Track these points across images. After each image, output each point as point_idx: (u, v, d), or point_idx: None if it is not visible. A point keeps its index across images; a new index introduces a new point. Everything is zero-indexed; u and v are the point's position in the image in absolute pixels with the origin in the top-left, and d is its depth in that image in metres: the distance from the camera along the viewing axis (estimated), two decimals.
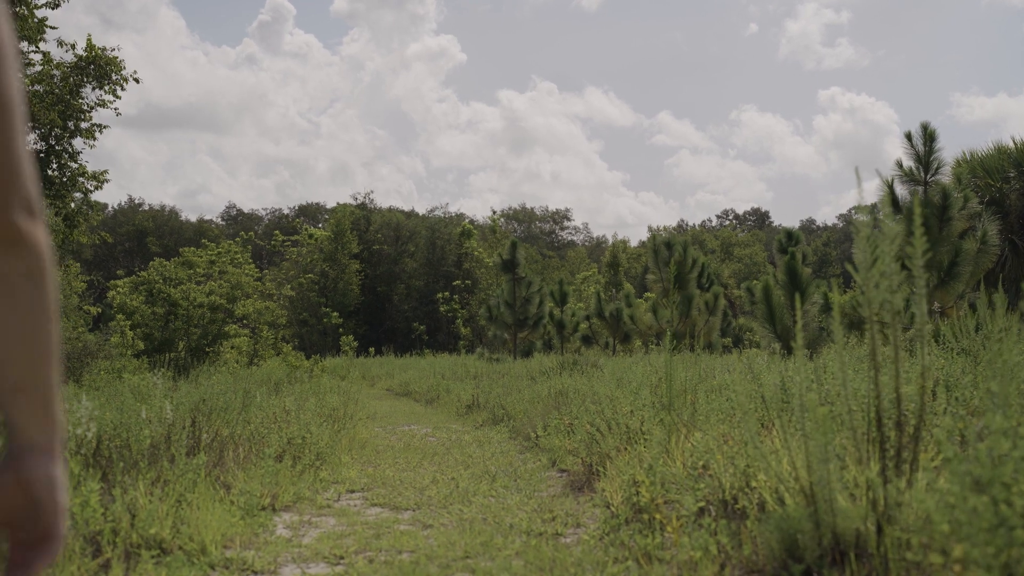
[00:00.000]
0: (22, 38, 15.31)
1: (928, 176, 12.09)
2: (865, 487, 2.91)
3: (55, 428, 0.99)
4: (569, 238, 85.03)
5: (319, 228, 57.83)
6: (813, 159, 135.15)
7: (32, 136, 15.64)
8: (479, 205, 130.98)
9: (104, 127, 16.21)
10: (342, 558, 4.17)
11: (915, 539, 2.52)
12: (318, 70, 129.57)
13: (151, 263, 26.24)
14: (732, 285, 52.01)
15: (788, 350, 12.10)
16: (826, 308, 13.13)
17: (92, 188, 16.42)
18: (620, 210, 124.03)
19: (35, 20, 15.38)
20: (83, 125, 15.88)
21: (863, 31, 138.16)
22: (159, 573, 3.69)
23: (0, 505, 0.95)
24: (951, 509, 2.01)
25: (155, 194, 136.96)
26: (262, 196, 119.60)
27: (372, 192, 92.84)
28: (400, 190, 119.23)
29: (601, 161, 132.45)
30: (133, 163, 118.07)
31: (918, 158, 12.09)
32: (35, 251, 0.96)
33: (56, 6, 15.61)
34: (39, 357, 0.97)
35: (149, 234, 62.87)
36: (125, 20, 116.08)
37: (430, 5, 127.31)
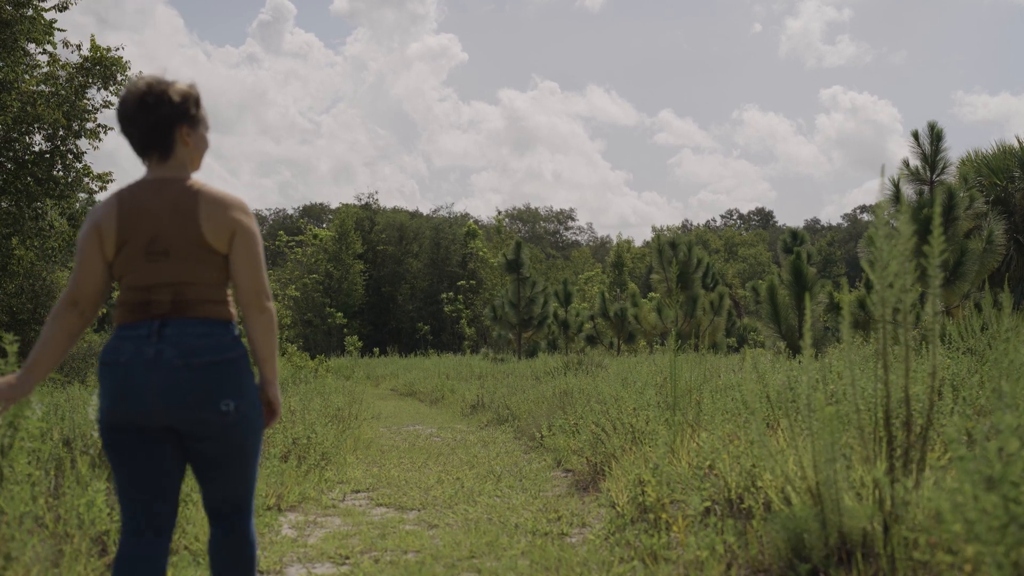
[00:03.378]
0: (30, 40, 15.35)
1: (934, 175, 12.06)
2: (872, 486, 2.90)
3: (275, 375, 2.59)
4: (573, 238, 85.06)
5: (323, 228, 57.90)
6: (816, 158, 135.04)
7: (37, 137, 15.67)
8: (482, 205, 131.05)
9: (109, 128, 16.24)
10: (348, 558, 4.17)
11: (923, 538, 2.51)
12: (319, 70, 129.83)
13: None
14: (737, 285, 51.95)
15: (793, 350, 12.08)
16: (831, 308, 13.11)
17: (97, 188, 16.46)
18: (623, 210, 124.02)
19: (43, 22, 15.42)
20: (88, 126, 15.90)
21: (865, 29, 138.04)
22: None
23: (262, 400, 2.56)
24: (961, 508, 2.00)
25: None
26: (264, 196, 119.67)
27: (376, 192, 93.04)
28: (403, 190, 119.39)
29: (604, 161, 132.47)
30: (134, 163, 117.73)
31: (924, 157, 12.06)
32: (271, 313, 2.54)
33: (64, 8, 15.65)
34: (272, 350, 2.55)
35: None
36: (123, 20, 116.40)
37: (430, 5, 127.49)
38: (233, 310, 2.53)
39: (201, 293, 2.43)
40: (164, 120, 2.45)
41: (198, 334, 2.39)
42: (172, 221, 2.41)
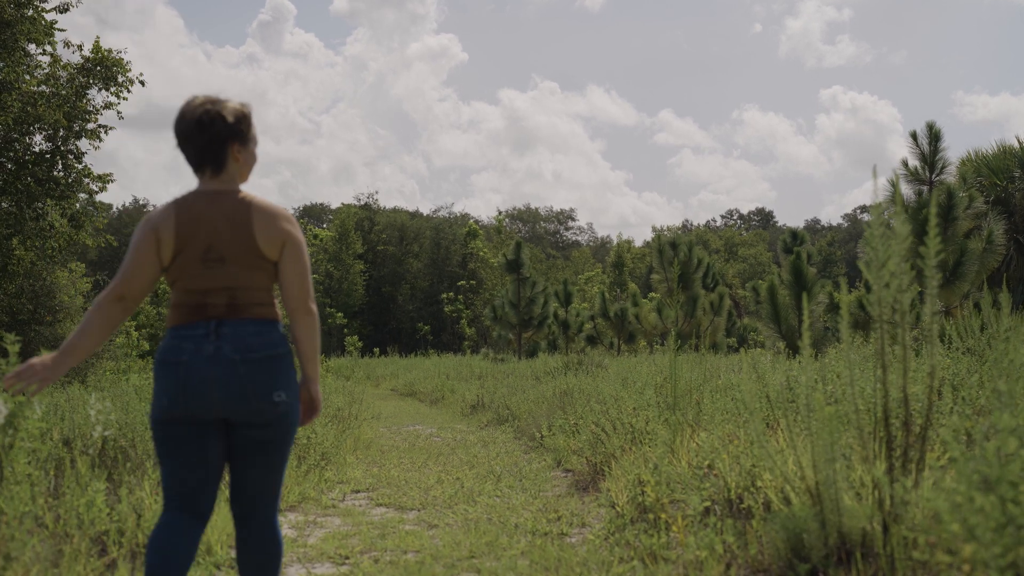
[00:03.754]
0: (31, 40, 15.35)
1: (933, 175, 12.06)
2: (871, 486, 2.91)
3: (317, 373, 2.80)
4: (574, 238, 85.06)
5: (324, 228, 57.89)
6: (816, 158, 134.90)
7: (38, 137, 15.67)
8: (482, 205, 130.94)
9: (110, 128, 16.24)
10: (347, 558, 4.17)
11: (922, 538, 2.51)
12: (319, 70, 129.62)
13: None
14: (737, 285, 51.94)
15: (793, 350, 12.08)
16: (831, 308, 13.11)
17: (97, 189, 16.45)
18: (623, 210, 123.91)
19: (44, 23, 15.42)
20: (89, 126, 15.91)
21: (865, 29, 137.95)
22: None
23: (303, 399, 2.80)
24: (959, 508, 2.00)
25: (156, 194, 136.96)
26: (264, 196, 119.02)
27: (376, 192, 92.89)
28: (403, 190, 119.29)
29: (604, 161, 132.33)
30: (134, 164, 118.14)
31: (923, 157, 12.06)
32: (315, 315, 2.75)
33: (65, 10, 15.65)
34: (315, 349, 2.75)
35: None
36: (122, 20, 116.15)
37: (430, 5, 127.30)
38: (279, 312, 2.75)
39: (253, 296, 2.66)
40: (218, 138, 2.65)
41: (252, 332, 2.63)
42: (228, 230, 2.64)
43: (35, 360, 2.57)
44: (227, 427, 2.68)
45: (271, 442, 2.68)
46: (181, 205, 2.66)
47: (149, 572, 2.56)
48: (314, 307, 2.76)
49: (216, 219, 2.64)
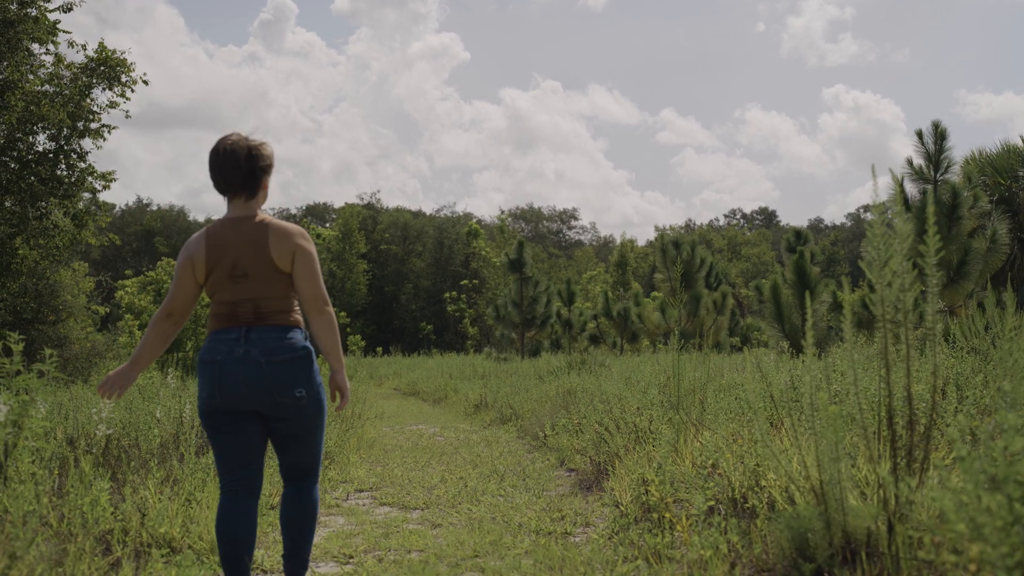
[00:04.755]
0: (34, 40, 15.37)
1: (938, 174, 12.04)
2: (876, 486, 2.90)
3: (342, 363, 3.23)
4: (576, 237, 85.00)
5: (327, 228, 57.92)
6: (819, 157, 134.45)
7: (41, 137, 15.69)
8: (484, 204, 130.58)
9: (113, 127, 16.27)
10: (351, 557, 4.17)
11: (928, 538, 2.50)
12: (320, 69, 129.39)
13: (159, 263, 26.34)
14: (740, 284, 51.90)
15: (797, 349, 12.06)
16: (834, 307, 13.09)
17: (100, 188, 16.47)
18: (626, 209, 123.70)
19: (48, 23, 15.44)
20: (92, 125, 15.92)
21: (867, 27, 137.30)
22: (169, 572, 3.69)
23: (332, 388, 3.26)
24: (965, 507, 1.99)
25: (158, 193, 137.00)
26: (267, 196, 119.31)
27: (379, 192, 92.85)
28: (405, 189, 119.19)
29: (606, 160, 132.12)
30: (135, 162, 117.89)
31: (928, 156, 12.04)
32: (330, 315, 3.19)
33: (69, 9, 15.67)
34: (334, 343, 3.21)
35: (157, 234, 63.02)
36: (123, 19, 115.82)
37: (432, 4, 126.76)
38: (299, 317, 3.23)
39: (275, 305, 3.15)
40: (257, 171, 3.21)
41: (275, 337, 3.12)
42: (249, 250, 3.14)
43: (112, 372, 3.21)
44: (261, 418, 3.19)
45: (299, 430, 3.21)
46: (210, 233, 3.19)
47: (224, 558, 3.14)
48: (328, 308, 3.21)
49: (239, 242, 3.14)
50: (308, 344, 3.20)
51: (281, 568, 4.00)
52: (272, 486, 5.43)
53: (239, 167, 3.17)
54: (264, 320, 3.12)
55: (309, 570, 3.93)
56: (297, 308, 3.23)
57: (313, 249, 3.21)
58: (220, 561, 3.20)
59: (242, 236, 3.14)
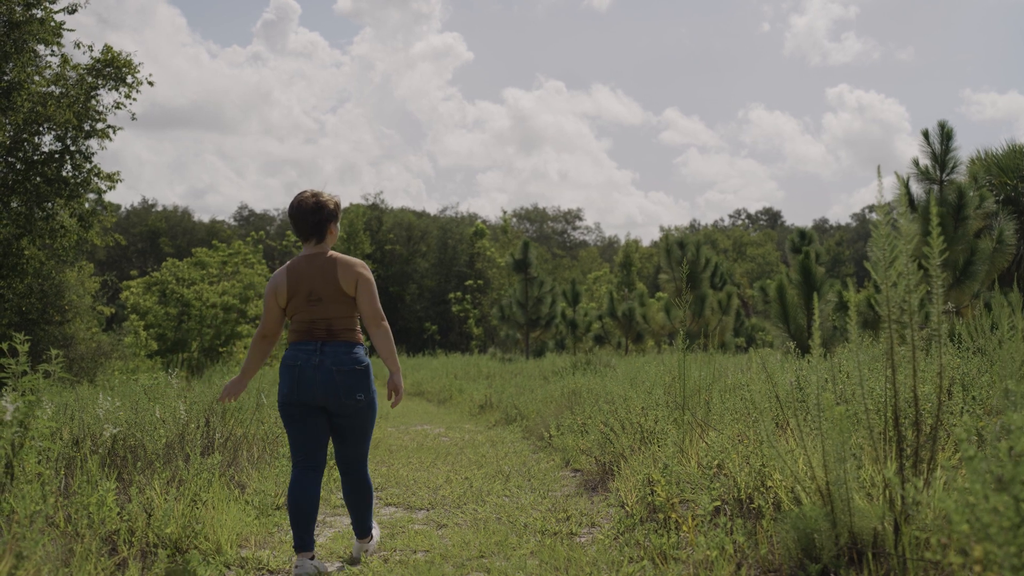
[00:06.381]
0: (40, 41, 15.41)
1: (944, 175, 12.00)
2: (882, 486, 2.90)
3: (398, 367, 3.99)
4: (581, 238, 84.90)
5: None
6: (824, 157, 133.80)
7: (47, 137, 15.73)
8: (488, 204, 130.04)
9: (119, 128, 16.31)
10: (357, 557, 4.17)
11: (934, 538, 2.50)
12: (323, 69, 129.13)
13: (164, 263, 26.36)
14: (745, 285, 51.84)
15: (802, 349, 12.04)
16: (840, 307, 13.07)
17: (106, 188, 16.51)
18: (630, 209, 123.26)
19: (53, 24, 15.48)
20: (98, 126, 15.96)
21: (871, 26, 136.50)
22: (175, 573, 3.70)
23: (388, 387, 3.98)
24: (971, 508, 1.99)
25: (161, 194, 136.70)
26: (271, 196, 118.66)
27: (383, 192, 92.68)
28: (409, 189, 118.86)
29: (610, 160, 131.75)
30: (139, 163, 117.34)
31: (934, 156, 12.01)
32: (386, 328, 3.98)
33: (74, 11, 15.71)
34: (390, 351, 3.94)
35: (162, 234, 63.09)
36: (123, 19, 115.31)
37: (435, 4, 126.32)
38: (361, 336, 4.01)
39: (342, 323, 3.93)
40: (324, 220, 4.00)
41: (343, 351, 3.90)
42: (321, 280, 3.91)
43: (228, 382, 4.09)
44: (327, 413, 3.94)
45: (355, 426, 3.99)
46: (291, 267, 3.98)
47: (293, 520, 3.85)
48: (384, 323, 3.99)
49: (314, 274, 3.92)
50: (368, 360, 3.92)
51: (287, 568, 4.02)
52: (278, 486, 5.44)
53: (308, 219, 3.96)
54: (335, 337, 3.90)
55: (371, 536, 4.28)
56: (359, 327, 3.99)
57: (371, 276, 3.96)
58: (290, 522, 3.90)
59: (315, 268, 3.92)
